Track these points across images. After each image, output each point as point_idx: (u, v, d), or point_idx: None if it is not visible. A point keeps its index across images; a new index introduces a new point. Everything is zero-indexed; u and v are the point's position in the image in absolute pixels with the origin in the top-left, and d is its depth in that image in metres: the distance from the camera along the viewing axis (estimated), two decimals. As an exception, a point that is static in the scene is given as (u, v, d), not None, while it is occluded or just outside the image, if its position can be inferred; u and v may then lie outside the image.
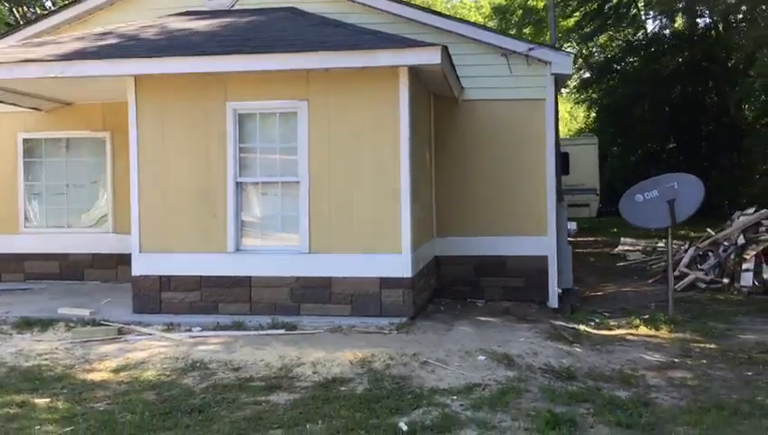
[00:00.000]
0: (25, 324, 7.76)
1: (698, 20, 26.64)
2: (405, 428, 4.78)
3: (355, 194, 7.58)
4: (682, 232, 20.03)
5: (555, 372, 6.07)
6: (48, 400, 5.58)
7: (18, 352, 6.89)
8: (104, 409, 5.35)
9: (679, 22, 28.58)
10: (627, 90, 26.30)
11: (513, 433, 4.71)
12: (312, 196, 7.65)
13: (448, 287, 9.49)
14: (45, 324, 7.73)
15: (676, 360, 6.71)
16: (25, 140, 10.64)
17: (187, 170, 7.85)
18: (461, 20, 9.39)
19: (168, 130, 7.88)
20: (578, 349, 6.88)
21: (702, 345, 7.35)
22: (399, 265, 7.48)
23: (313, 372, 6.08)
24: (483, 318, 8.15)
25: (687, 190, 8.29)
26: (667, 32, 28.49)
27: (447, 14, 17.62)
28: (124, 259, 10.39)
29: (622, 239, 18.88)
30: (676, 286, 11.61)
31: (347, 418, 5.03)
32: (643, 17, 29.27)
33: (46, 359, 6.66)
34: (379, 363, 6.22)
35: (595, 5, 27.17)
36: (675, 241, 18.48)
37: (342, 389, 5.69)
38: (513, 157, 9.40)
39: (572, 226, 9.86)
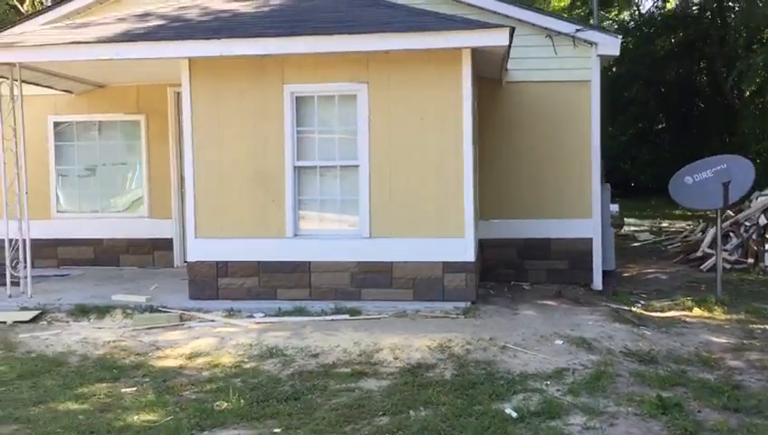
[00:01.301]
0: (81, 312, 7.65)
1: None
2: (514, 414, 4.77)
3: (416, 177, 7.52)
4: (677, 212, 20.30)
5: (636, 355, 6.09)
6: (134, 389, 5.52)
7: (84, 341, 6.80)
8: (196, 397, 5.30)
9: (673, 2, 28.70)
10: (620, 70, 26.37)
11: (625, 418, 4.71)
12: (372, 179, 7.58)
13: (491, 270, 9.47)
14: (102, 311, 7.63)
15: (744, 342, 6.75)
16: (56, 123, 10.43)
17: (243, 155, 7.74)
18: (508, 1, 9.26)
19: (224, 114, 7.75)
20: (647, 332, 6.90)
21: (762, 326, 7.40)
22: (462, 248, 7.45)
23: (394, 358, 6.05)
24: (540, 302, 8.15)
25: (740, 172, 8.32)
26: (660, 12, 28.58)
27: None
28: (160, 244, 10.36)
29: (626, 220, 18.97)
30: (701, 267, 11.74)
31: (448, 404, 5.01)
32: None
33: (115, 347, 6.58)
34: (458, 348, 6.20)
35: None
36: (681, 222, 18.75)
37: (430, 374, 5.67)
38: (557, 139, 9.38)
39: (614, 208, 9.87)
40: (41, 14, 10.53)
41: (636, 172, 27.33)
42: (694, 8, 26.88)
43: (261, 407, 5.06)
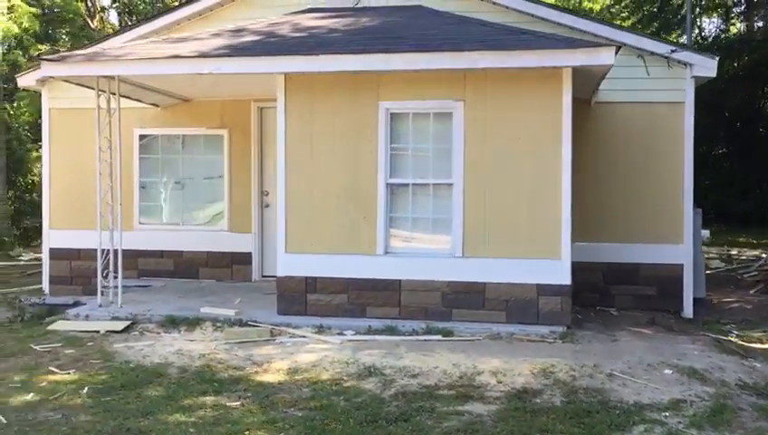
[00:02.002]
0: (171, 323, 7.69)
1: (758, 24, 26.11)
2: (641, 446, 4.57)
3: (511, 197, 7.38)
4: (741, 239, 19.66)
5: (753, 388, 5.82)
6: (238, 403, 5.47)
7: (179, 352, 6.81)
8: (302, 415, 5.21)
9: (737, 26, 28.07)
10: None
11: (761, 455, 4.48)
12: (466, 198, 7.46)
13: (576, 294, 9.16)
14: (191, 324, 7.65)
15: None
16: (141, 136, 10.59)
17: (335, 170, 7.71)
18: (597, 19, 9.15)
19: (318, 129, 7.74)
20: (757, 364, 6.60)
21: None
22: (558, 271, 7.27)
23: (498, 382, 5.89)
24: (634, 329, 7.89)
25: None
26: (724, 36, 27.95)
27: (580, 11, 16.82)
28: (239, 258, 10.39)
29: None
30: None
31: (566, 433, 4.83)
32: (700, 22, 28.75)
33: (211, 359, 6.56)
34: (562, 374, 6.01)
35: (655, 8, 26.74)
36: (749, 250, 18.15)
37: (538, 401, 5.50)
38: (647, 161, 9.14)
39: (705, 233, 9.58)
40: (130, 29, 10.74)
41: (696, 198, 26.60)
42: (758, 32, 26.26)
43: (371, 428, 4.96)
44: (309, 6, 9.87)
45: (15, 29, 14.85)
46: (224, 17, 10.15)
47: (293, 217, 7.79)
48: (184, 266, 10.40)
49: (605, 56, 6.80)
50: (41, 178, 19.93)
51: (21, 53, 16.03)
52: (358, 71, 7.39)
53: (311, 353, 6.69)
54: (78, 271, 10.66)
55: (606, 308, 9.11)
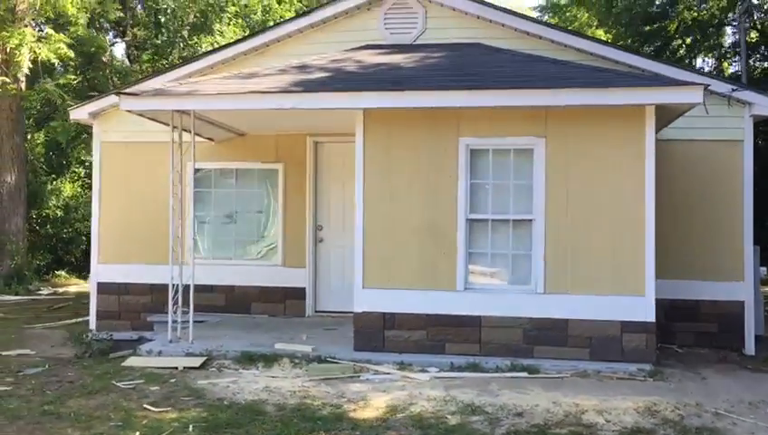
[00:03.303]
0: (247, 359, 7.59)
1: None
2: (787, 486, 4.53)
3: (593, 234, 7.41)
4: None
5: None
6: (354, 443, 5.38)
7: (267, 389, 6.70)
8: (423, 454, 5.13)
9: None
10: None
11: None
12: (547, 234, 7.48)
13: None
14: (269, 360, 7.55)
15: None
16: (196, 170, 10.53)
17: (414, 205, 7.71)
18: (657, 59, 9.29)
19: (396, 165, 7.76)
20: None
21: None
22: (642, 308, 7.27)
23: (606, 421, 5.83)
24: (712, 366, 7.89)
25: None
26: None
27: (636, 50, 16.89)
28: (292, 293, 10.32)
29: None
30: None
31: (701, 472, 4.79)
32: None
33: (304, 397, 6.45)
34: (668, 413, 5.97)
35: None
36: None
37: (655, 440, 5.46)
38: (707, 199, 9.23)
39: (764, 269, 9.64)
40: (182, 65, 10.74)
41: (756, 235, 26.31)
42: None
43: (502, 467, 4.88)
44: (366, 43, 9.95)
45: (52, 56, 14.80)
46: (280, 53, 10.22)
47: (371, 252, 7.76)
48: (236, 301, 10.30)
49: (692, 94, 6.90)
50: (59, 212, 19.98)
51: (50, 80, 15.98)
52: (440, 107, 7.43)
53: (402, 391, 6.60)
54: (126, 306, 10.53)
55: (668, 345, 9.08)
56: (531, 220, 7.56)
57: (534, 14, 25.57)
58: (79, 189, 20.73)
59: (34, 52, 14.52)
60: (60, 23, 16.30)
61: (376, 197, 7.77)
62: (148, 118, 8.62)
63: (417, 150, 7.73)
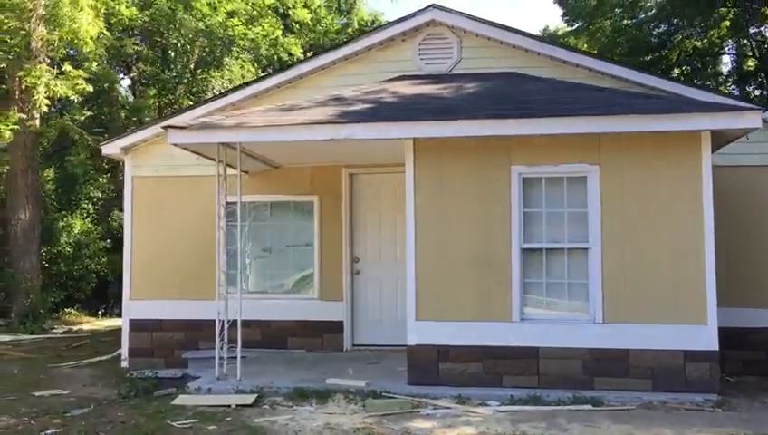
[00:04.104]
0: (300, 396, 7.40)
1: None
2: None
3: (652, 261, 7.30)
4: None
5: None
6: (433, 481, 5.19)
7: (328, 427, 6.50)
8: (511, 492, 4.95)
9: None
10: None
11: None
12: (604, 263, 7.37)
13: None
14: (322, 396, 7.36)
15: None
16: (228, 204, 10.39)
17: (467, 236, 7.60)
18: (693, 84, 9.27)
19: (447, 194, 7.66)
20: None
21: None
22: (705, 337, 7.14)
23: (688, 454, 5.67)
24: (773, 394, 7.75)
25: None
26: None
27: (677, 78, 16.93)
28: (329, 327, 10.14)
29: None
30: None
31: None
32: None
33: (368, 434, 6.26)
34: (751, 444, 5.82)
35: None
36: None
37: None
38: (750, 225, 9.18)
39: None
40: (216, 99, 10.66)
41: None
42: None
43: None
44: (401, 74, 9.93)
45: (71, 93, 14.74)
46: (312, 85, 10.19)
47: (423, 284, 7.62)
48: (272, 336, 10.10)
49: (751, 120, 6.86)
50: (69, 249, 19.74)
51: (67, 115, 15.90)
52: (493, 135, 7.37)
53: (469, 426, 6.42)
54: (160, 342, 10.33)
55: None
56: (587, 248, 7.45)
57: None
58: (90, 226, 20.51)
59: (52, 89, 14.44)
60: (77, 58, 16.26)
61: (427, 227, 7.66)
62: (192, 151, 8.53)
63: (468, 180, 7.64)
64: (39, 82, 14.18)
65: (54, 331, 16.54)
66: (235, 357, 9.35)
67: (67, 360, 11.84)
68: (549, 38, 16.74)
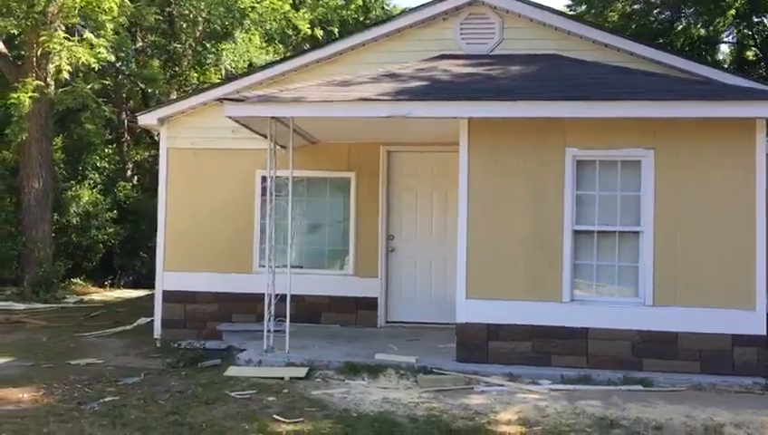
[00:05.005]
0: (351, 370, 7.46)
1: None
2: None
3: (703, 246, 7.39)
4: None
5: None
6: (508, 456, 5.28)
7: (386, 401, 6.59)
8: (587, 468, 5.05)
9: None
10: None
11: None
12: (656, 246, 7.45)
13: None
14: (372, 371, 7.43)
15: None
16: (264, 178, 10.38)
17: (519, 216, 7.66)
18: (740, 74, 9.33)
19: (500, 175, 7.70)
20: None
21: None
22: (753, 322, 7.26)
23: None
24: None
25: None
26: None
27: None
28: (363, 303, 10.20)
29: None
30: None
31: None
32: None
33: (430, 409, 6.34)
34: (810, 427, 5.95)
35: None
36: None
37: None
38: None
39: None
40: (258, 71, 10.63)
41: None
42: None
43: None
44: (441, 53, 9.91)
45: (92, 60, 14.57)
46: (352, 62, 10.14)
47: (474, 263, 7.68)
48: (306, 311, 10.11)
49: (809, 108, 6.93)
50: (76, 219, 19.62)
51: (83, 85, 15.73)
52: (551, 117, 7.40)
53: (526, 404, 6.51)
54: (193, 314, 10.35)
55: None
56: (638, 232, 7.53)
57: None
58: (98, 196, 20.37)
59: (75, 57, 14.29)
60: (94, 26, 16.07)
61: (480, 207, 7.70)
62: (242, 124, 8.49)
63: (522, 160, 7.68)
64: (62, 48, 14.01)
65: (66, 300, 16.51)
66: (278, 330, 9.41)
67: (89, 329, 11.86)
68: (591, 22, 16.76)
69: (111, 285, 20.11)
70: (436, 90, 7.94)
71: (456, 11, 10.00)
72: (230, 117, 7.81)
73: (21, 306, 15.04)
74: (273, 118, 7.97)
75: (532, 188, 7.65)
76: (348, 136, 9.83)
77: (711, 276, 7.36)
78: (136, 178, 24.02)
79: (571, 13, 26.74)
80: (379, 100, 7.46)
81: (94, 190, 20.58)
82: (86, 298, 17.15)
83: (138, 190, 22.39)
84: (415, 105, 7.42)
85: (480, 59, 9.64)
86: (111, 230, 20.09)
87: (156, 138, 23.52)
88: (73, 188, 20.16)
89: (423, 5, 10.02)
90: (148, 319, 12.48)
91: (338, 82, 8.44)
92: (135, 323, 12.39)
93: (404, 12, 10.11)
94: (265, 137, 9.31)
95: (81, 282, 19.47)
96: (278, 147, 10.14)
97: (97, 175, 21.30)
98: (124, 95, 24.69)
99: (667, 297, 7.41)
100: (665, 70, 9.32)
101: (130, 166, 24.00)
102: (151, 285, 20.26)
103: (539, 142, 7.67)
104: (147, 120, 10.50)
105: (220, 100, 7.69)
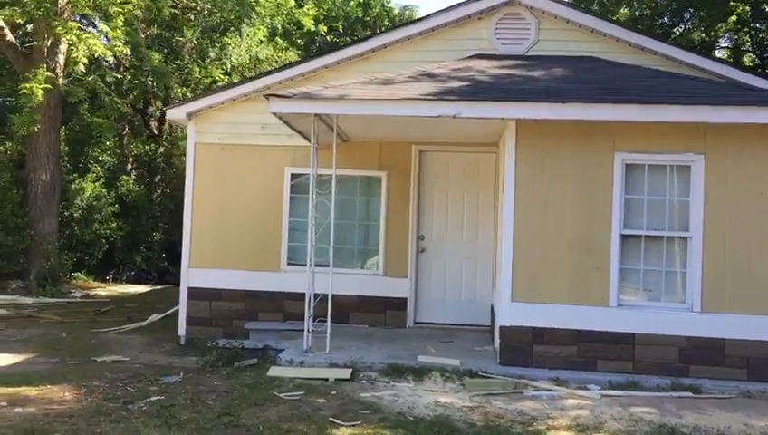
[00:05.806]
0: (395, 372, 7.37)
1: None
2: None
3: (753, 253, 7.34)
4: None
5: None
6: (577, 463, 5.20)
7: (437, 404, 6.48)
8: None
9: None
10: None
11: None
12: (705, 252, 7.40)
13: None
14: (417, 373, 7.33)
15: None
16: (293, 175, 10.27)
17: (566, 219, 7.57)
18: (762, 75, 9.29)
19: (548, 177, 7.61)
20: None
21: None
22: (802, 329, 7.23)
23: (812, 444, 5.76)
24: None
25: None
26: None
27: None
28: (393, 303, 10.10)
29: None
30: None
31: None
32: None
33: (485, 413, 6.24)
34: None
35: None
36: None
37: None
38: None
39: None
40: (285, 69, 10.42)
41: None
42: None
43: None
44: (476, 53, 9.83)
45: (108, 53, 14.34)
46: (385, 59, 10.06)
47: (520, 266, 7.59)
48: (334, 311, 9.89)
49: None
50: (79, 213, 19.35)
51: (99, 78, 15.51)
52: (598, 120, 7.32)
53: (581, 409, 6.43)
54: (219, 312, 10.20)
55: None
56: (687, 238, 7.47)
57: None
58: (102, 190, 20.10)
59: (91, 49, 14.06)
60: (107, 19, 15.82)
61: (527, 209, 7.61)
62: (284, 121, 8.35)
63: (569, 163, 7.60)
64: (79, 40, 13.78)
65: (72, 295, 16.28)
66: (294, 330, 9.29)
67: (102, 325, 11.69)
68: (628, 24, 16.72)
69: (113, 280, 19.89)
70: (481, 90, 7.84)
71: (492, 11, 9.91)
72: (275, 113, 7.68)
73: (29, 300, 14.80)
74: (316, 115, 7.83)
75: (579, 191, 7.57)
76: (380, 134, 9.72)
77: (760, 284, 7.32)
78: (135, 172, 23.74)
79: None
80: (427, 99, 7.35)
81: (97, 184, 20.32)
82: (91, 293, 16.91)
83: (140, 184, 22.13)
84: (464, 105, 7.31)
85: (515, 60, 9.56)
86: (114, 225, 19.83)
87: (155, 131, 23.55)
88: (77, 181, 19.89)
89: (458, 4, 9.92)
90: (161, 315, 12.35)
91: (380, 81, 8.32)
92: (148, 320, 12.21)
93: (440, 11, 9.98)
94: (301, 134, 9.23)
95: (82, 276, 19.21)
96: (306, 145, 10.08)
97: (99, 168, 21.03)
98: (125, 88, 24.43)
99: (716, 304, 7.36)
100: (704, 75, 9.28)
101: (130, 160, 23.72)
102: (154, 280, 20.14)
103: (586, 145, 7.59)
104: (175, 114, 10.33)
105: (266, 96, 7.54)
